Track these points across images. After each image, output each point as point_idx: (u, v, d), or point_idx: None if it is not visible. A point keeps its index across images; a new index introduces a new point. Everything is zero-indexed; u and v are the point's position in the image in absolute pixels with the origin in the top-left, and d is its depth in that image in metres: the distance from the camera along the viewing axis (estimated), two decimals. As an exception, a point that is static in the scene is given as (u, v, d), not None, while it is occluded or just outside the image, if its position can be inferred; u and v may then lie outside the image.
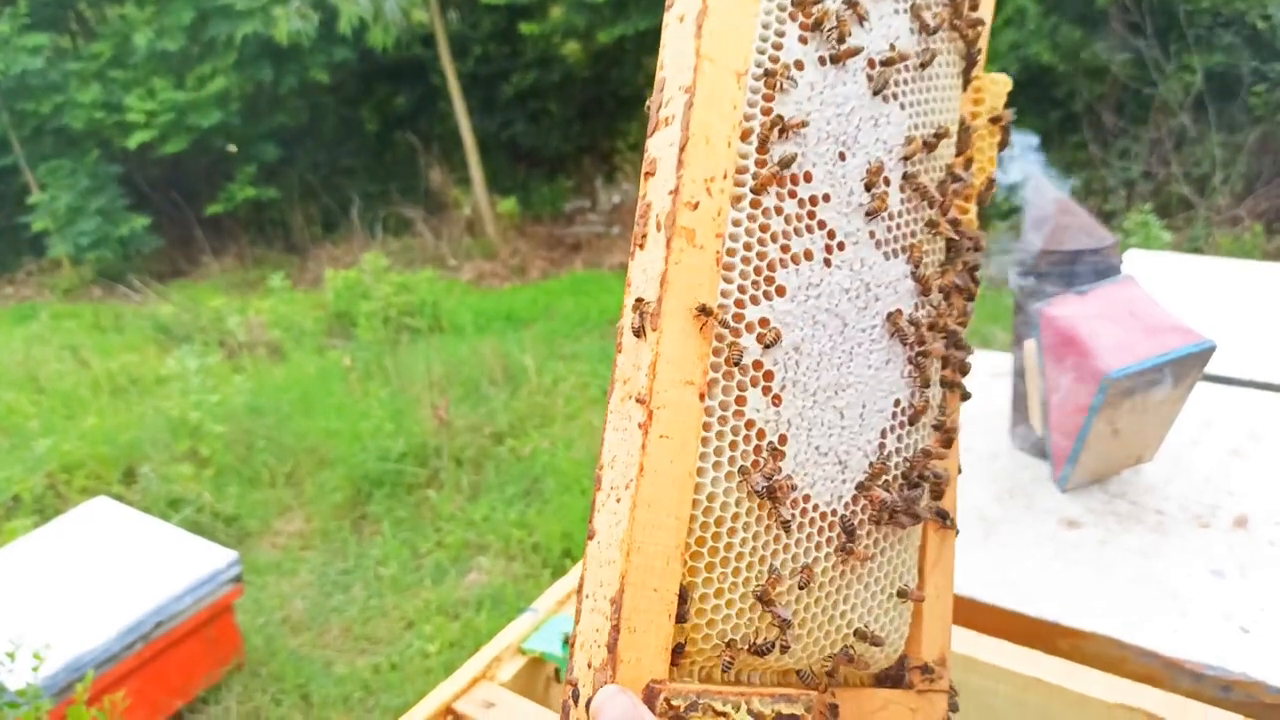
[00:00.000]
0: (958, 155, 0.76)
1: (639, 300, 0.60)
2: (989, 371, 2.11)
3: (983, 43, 0.77)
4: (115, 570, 3.39)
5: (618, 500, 0.57)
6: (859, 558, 0.67)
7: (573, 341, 7.11)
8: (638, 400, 0.57)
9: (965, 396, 0.77)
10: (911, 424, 0.72)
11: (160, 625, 3.17)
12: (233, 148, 11.09)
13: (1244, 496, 1.59)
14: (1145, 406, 1.55)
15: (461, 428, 5.38)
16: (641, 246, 0.62)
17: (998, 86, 0.79)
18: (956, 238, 0.74)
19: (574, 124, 11.57)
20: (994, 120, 0.78)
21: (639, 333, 0.59)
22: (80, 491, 5.00)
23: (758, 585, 0.62)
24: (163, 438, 5.40)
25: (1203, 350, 1.49)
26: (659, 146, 0.62)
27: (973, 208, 0.77)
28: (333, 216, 11.14)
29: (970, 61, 0.76)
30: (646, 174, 0.63)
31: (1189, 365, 1.51)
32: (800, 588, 0.64)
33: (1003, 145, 0.79)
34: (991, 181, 0.78)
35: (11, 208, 11.28)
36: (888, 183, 0.69)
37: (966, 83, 0.77)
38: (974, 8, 0.75)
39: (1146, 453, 1.67)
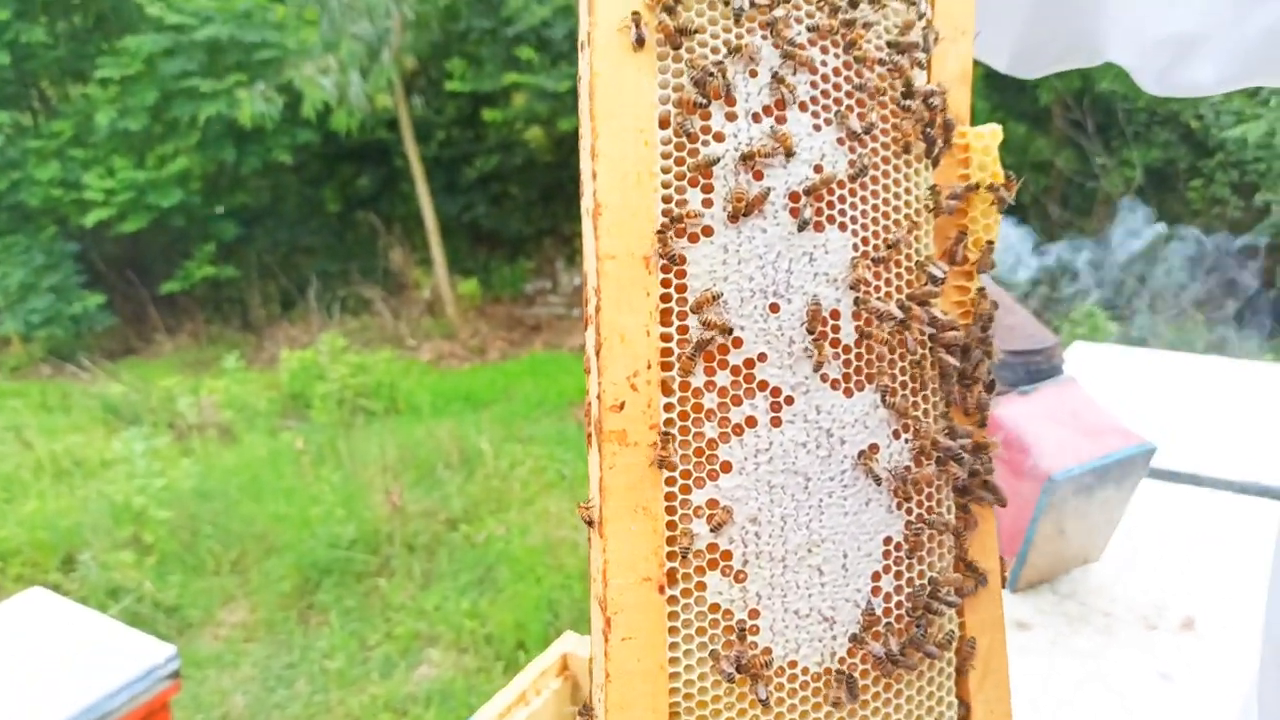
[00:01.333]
0: (942, 231, 0.71)
1: (586, 504, 0.61)
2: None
3: (946, 114, 0.70)
4: (46, 667, 3.24)
5: (600, 701, 0.58)
6: (862, 706, 0.65)
7: (531, 424, 7.06)
8: (599, 604, 0.58)
9: (1000, 501, 0.71)
10: (911, 557, 0.68)
11: (91, 726, 3.02)
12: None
13: (1190, 597, 1.60)
14: (1090, 507, 1.56)
15: (415, 513, 5.28)
16: (589, 441, 0.62)
17: (984, 141, 0.72)
18: (936, 341, 0.68)
19: (535, 207, 11.71)
20: (990, 188, 0.71)
21: (590, 524, 0.60)
22: (15, 580, 4.81)
23: None
24: (105, 524, 5.24)
25: (1144, 452, 1.51)
26: (589, 346, 0.62)
27: (974, 283, 0.72)
28: (290, 296, 11.09)
29: (929, 141, 0.70)
30: (585, 371, 0.63)
31: (1131, 466, 1.53)
32: None
33: (1003, 204, 0.71)
34: (990, 245, 0.71)
35: (-39, 284, 11.10)
36: (836, 316, 0.65)
37: (937, 158, 0.71)
38: (929, 83, 0.70)
39: (1094, 553, 1.68)
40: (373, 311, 10.58)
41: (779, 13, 0.64)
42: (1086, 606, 1.62)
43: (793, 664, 0.63)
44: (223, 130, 10.41)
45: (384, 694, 3.90)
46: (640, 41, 0.61)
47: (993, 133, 0.72)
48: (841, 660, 0.65)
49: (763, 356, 0.63)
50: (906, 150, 0.69)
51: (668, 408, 0.61)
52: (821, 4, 0.66)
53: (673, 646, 0.60)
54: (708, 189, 0.62)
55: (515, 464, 6.05)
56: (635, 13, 0.62)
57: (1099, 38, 0.77)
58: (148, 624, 4.37)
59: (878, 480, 0.65)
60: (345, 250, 11.89)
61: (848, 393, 0.65)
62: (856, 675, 0.65)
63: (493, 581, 4.67)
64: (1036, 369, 1.70)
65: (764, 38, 0.64)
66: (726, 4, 0.64)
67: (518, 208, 11.71)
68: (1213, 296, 7.19)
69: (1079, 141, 7.89)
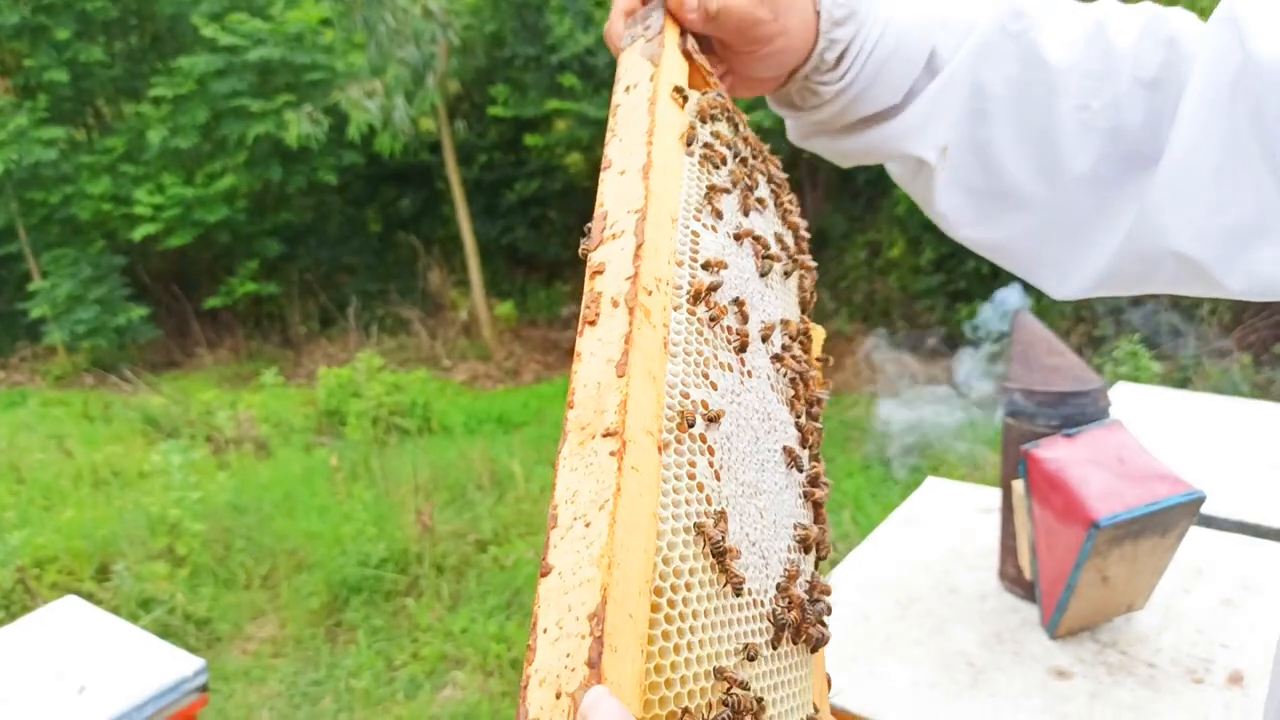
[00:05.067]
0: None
1: (607, 359, 0.63)
2: (978, 506, 2.09)
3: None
4: (76, 676, 3.27)
5: (586, 525, 0.55)
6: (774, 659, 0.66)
7: (563, 448, 7.05)
8: (606, 435, 0.57)
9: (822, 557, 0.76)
10: (804, 551, 0.72)
11: (118, 737, 3.04)
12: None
13: (1239, 651, 1.55)
14: (1135, 555, 1.52)
15: (445, 534, 5.29)
16: (593, 323, 0.64)
17: (818, 334, 0.85)
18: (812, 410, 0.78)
19: (574, 231, 11.78)
20: (820, 360, 0.83)
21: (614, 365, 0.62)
22: (51, 588, 4.87)
23: (714, 651, 0.59)
24: (140, 534, 5.30)
25: (1192, 500, 1.47)
26: (609, 253, 0.67)
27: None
28: (330, 314, 11.22)
29: (803, 306, 0.83)
30: (595, 273, 0.66)
31: (1178, 514, 1.49)
32: (749, 659, 0.61)
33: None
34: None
35: (11, 293, 11.36)
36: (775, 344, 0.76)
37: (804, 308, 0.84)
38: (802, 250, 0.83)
39: (1138, 601, 1.64)
40: (410, 331, 10.67)
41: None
42: (1129, 656, 1.57)
43: (742, 580, 0.64)
44: (270, 150, 10.61)
45: (409, 715, 3.89)
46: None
47: (821, 332, 0.86)
48: (774, 600, 0.66)
49: (745, 337, 0.71)
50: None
51: (675, 322, 0.67)
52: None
53: (661, 506, 0.59)
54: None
55: (546, 487, 6.05)
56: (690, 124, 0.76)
57: (1166, 238, 0.75)
58: (178, 636, 4.40)
59: (798, 463, 0.72)
60: (385, 270, 12.04)
61: (778, 399, 0.73)
62: (785, 623, 0.66)
63: (520, 605, 4.65)
64: (1081, 411, 1.66)
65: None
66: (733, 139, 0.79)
67: (556, 232, 11.79)
68: (1260, 337, 7.04)
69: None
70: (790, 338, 0.78)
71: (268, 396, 8.47)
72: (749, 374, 0.71)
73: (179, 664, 3.36)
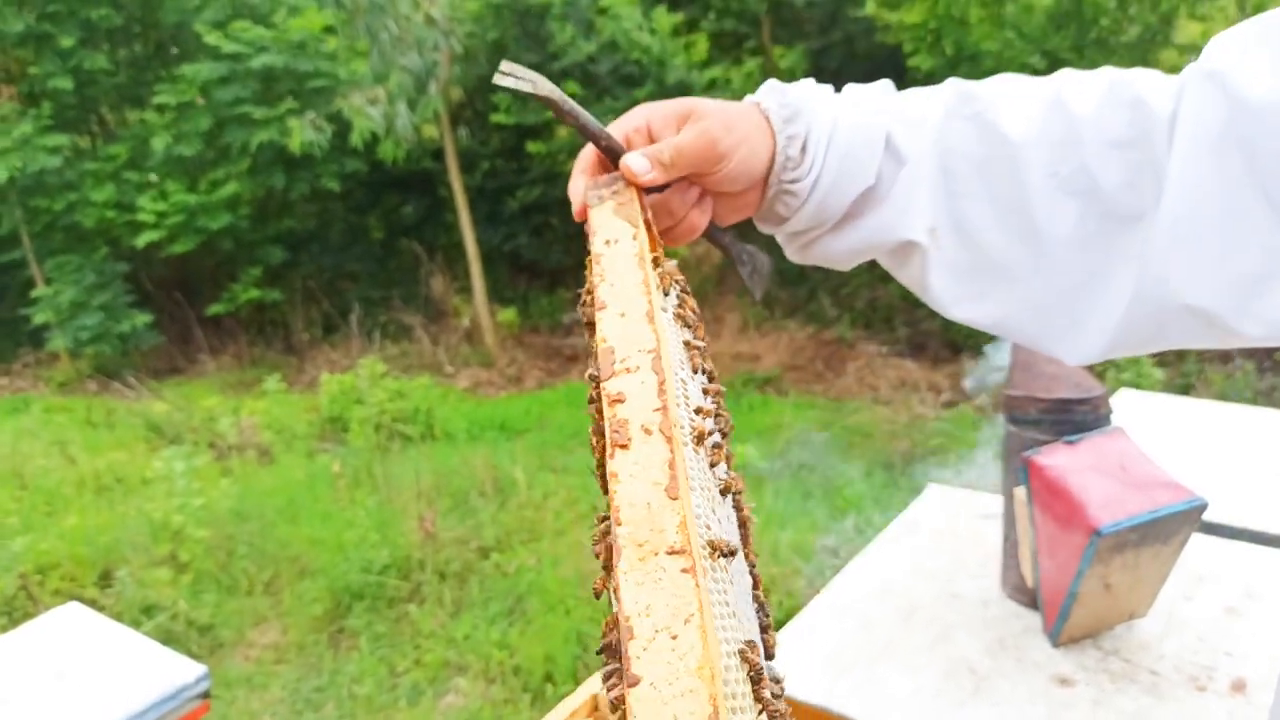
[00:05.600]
0: None
1: (652, 482, 0.65)
2: (979, 513, 2.09)
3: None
4: (78, 683, 3.27)
5: (672, 637, 0.57)
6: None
7: (565, 454, 7.06)
8: (671, 552, 0.60)
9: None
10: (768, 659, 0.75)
11: (120, 743, 3.04)
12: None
13: (1242, 659, 1.55)
14: (1137, 562, 1.52)
15: (447, 540, 5.29)
16: (625, 447, 0.66)
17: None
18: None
19: (576, 238, 11.73)
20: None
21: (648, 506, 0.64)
22: (53, 594, 4.87)
23: None
24: (143, 540, 5.30)
25: (1195, 507, 1.47)
26: (627, 385, 0.70)
27: None
28: (333, 320, 11.23)
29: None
30: (615, 401, 0.69)
31: (1180, 522, 1.49)
32: None
33: None
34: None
35: (15, 300, 11.37)
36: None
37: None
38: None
39: (1140, 608, 1.64)
40: (413, 338, 10.68)
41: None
42: (1132, 664, 1.57)
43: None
44: (273, 157, 10.63)
45: (411, 722, 3.89)
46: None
47: None
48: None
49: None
50: None
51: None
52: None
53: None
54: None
55: (549, 494, 6.05)
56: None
57: (1173, 289, 0.76)
58: (181, 642, 4.40)
59: (756, 585, 0.74)
60: (388, 277, 12.04)
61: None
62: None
63: (523, 612, 4.65)
64: (1082, 419, 1.67)
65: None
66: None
67: (558, 239, 11.79)
68: (1264, 346, 7.04)
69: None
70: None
71: (270, 403, 8.48)
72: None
73: (181, 670, 3.36)
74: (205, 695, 3.41)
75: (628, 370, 0.71)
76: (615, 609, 0.62)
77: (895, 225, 0.85)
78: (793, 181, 0.84)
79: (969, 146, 0.81)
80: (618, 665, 0.62)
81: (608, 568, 0.67)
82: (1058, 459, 1.54)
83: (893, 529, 2.09)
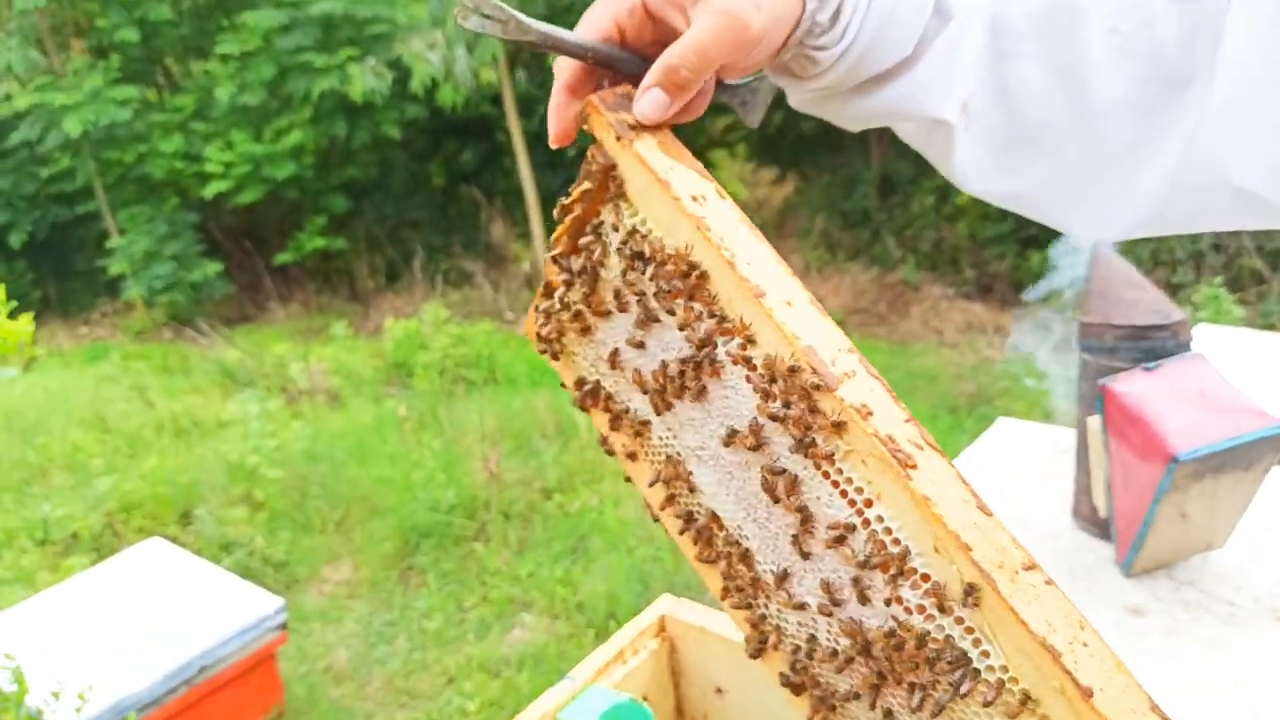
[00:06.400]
0: None
1: (960, 500, 0.64)
2: (1052, 448, 2.05)
3: None
4: (163, 613, 3.41)
5: (1084, 645, 0.60)
6: None
7: (626, 398, 7.09)
8: (1026, 568, 0.61)
9: None
10: None
11: (204, 670, 3.18)
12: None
13: (1324, 590, 1.51)
14: (1216, 491, 1.48)
15: (511, 481, 5.37)
16: (915, 466, 0.63)
17: None
18: None
19: (635, 182, 11.71)
20: None
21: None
22: (137, 531, 5.08)
23: None
24: (220, 481, 5.49)
25: (1277, 434, 1.42)
26: (859, 393, 0.66)
27: None
28: (396, 267, 11.37)
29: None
30: (866, 414, 0.65)
31: (1263, 449, 1.45)
32: None
33: None
34: None
35: (92, 251, 11.72)
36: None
37: None
38: None
39: (1217, 539, 1.60)
40: (474, 284, 10.77)
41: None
42: (1208, 594, 1.53)
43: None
44: (335, 105, 10.70)
45: (479, 654, 4.00)
46: None
47: None
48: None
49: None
50: None
51: None
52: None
53: None
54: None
55: (610, 437, 6.09)
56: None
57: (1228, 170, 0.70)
58: (257, 577, 4.56)
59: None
60: (448, 224, 12.12)
61: None
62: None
63: (585, 551, 4.72)
64: (1161, 345, 1.61)
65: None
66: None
67: (617, 183, 11.74)
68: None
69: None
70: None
71: (338, 349, 8.65)
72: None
73: (261, 602, 3.50)
74: (283, 627, 3.55)
75: (848, 375, 0.66)
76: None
77: (926, 97, 0.76)
78: (818, 49, 0.73)
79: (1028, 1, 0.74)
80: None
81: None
82: (1135, 385, 1.49)
83: (961, 461, 2.06)
